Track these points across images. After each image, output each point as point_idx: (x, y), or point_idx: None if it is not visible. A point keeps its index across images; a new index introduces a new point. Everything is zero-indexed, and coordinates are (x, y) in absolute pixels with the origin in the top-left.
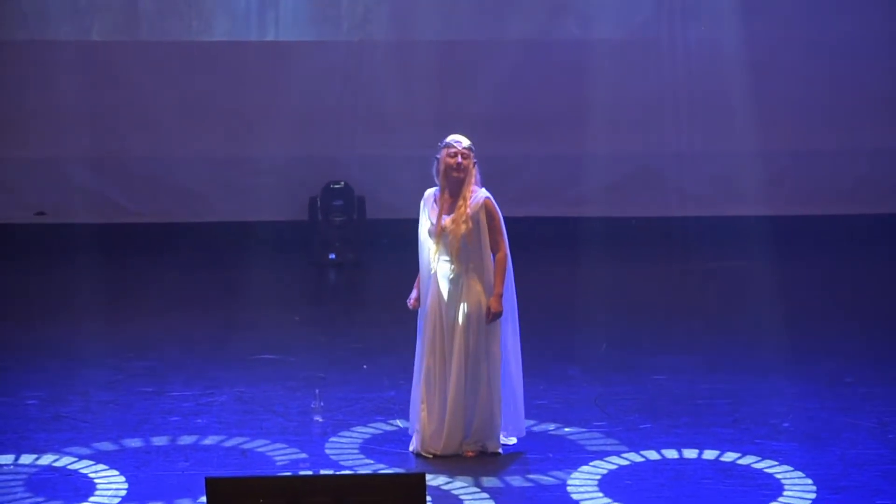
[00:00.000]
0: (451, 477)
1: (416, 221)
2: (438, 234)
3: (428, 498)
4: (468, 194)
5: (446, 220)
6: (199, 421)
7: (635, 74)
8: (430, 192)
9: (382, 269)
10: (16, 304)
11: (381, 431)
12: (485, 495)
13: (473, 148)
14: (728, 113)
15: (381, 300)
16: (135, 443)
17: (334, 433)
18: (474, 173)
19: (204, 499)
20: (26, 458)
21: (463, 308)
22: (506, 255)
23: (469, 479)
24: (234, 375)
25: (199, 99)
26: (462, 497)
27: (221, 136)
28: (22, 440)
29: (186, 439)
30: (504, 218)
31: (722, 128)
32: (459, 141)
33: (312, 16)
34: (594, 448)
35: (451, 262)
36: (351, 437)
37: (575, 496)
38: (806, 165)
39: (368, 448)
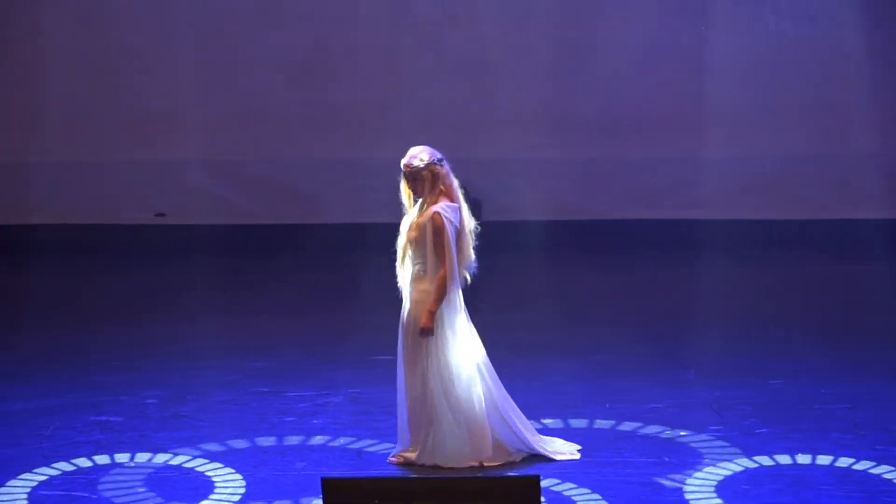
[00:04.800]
0: (562, 479)
1: (533, 224)
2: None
3: (542, 500)
4: (426, 205)
5: (406, 225)
6: (315, 421)
7: (755, 77)
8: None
9: (498, 272)
10: (136, 305)
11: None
12: (596, 496)
13: (420, 164)
14: (848, 114)
15: (496, 303)
16: (252, 442)
17: None
18: (435, 185)
19: (320, 499)
20: (146, 457)
21: (404, 316)
22: (446, 274)
23: (582, 481)
24: (349, 376)
25: (315, 101)
26: (576, 499)
27: (337, 138)
28: (142, 439)
29: (302, 439)
30: (616, 220)
31: (841, 130)
32: (406, 163)
33: (428, 19)
34: (710, 453)
35: (401, 267)
36: None
37: (692, 500)
38: None
39: None
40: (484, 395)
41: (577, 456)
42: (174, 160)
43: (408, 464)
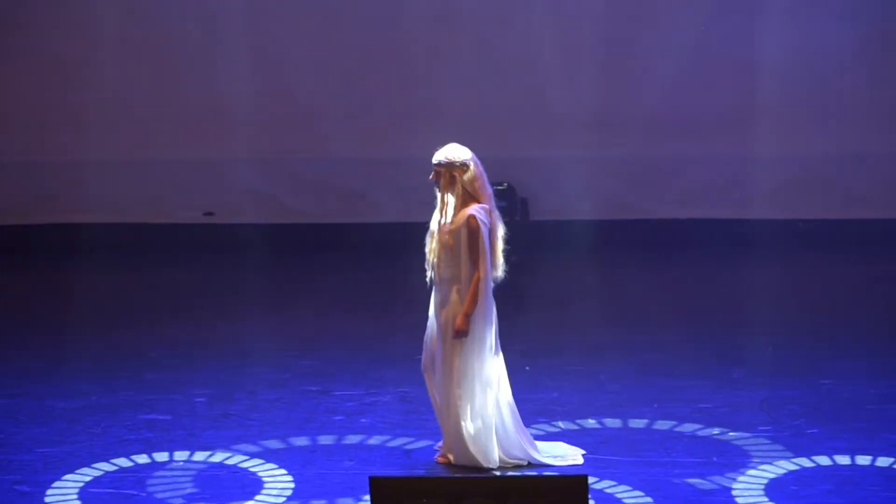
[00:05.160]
0: (614, 480)
1: (580, 223)
2: (431, 239)
3: (591, 500)
4: (449, 207)
5: (438, 228)
6: (364, 420)
7: (805, 75)
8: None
9: (545, 271)
10: (184, 303)
11: (543, 433)
12: (648, 499)
13: (444, 161)
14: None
15: (543, 301)
16: (300, 441)
17: None
18: (455, 185)
19: (368, 498)
20: (195, 455)
21: (439, 318)
22: (482, 277)
23: (630, 481)
24: (397, 375)
25: (364, 100)
26: (624, 499)
27: (386, 137)
28: (191, 437)
29: (351, 438)
30: (665, 219)
31: (892, 129)
32: (435, 158)
33: (476, 17)
34: (760, 453)
35: (434, 270)
36: None
37: (740, 501)
38: None
39: None
40: (496, 408)
41: (581, 461)
42: (223, 159)
43: (450, 463)
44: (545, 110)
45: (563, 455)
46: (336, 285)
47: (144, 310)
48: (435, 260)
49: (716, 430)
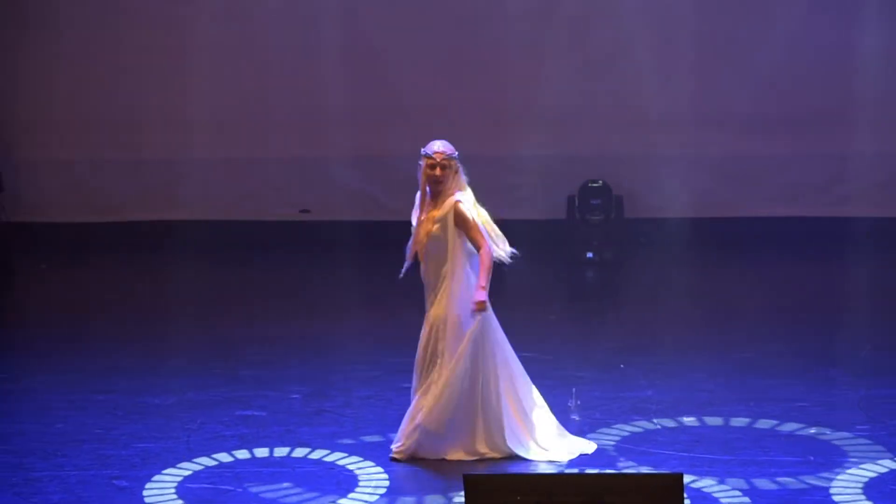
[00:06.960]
0: (709, 478)
1: (674, 221)
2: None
3: (686, 499)
4: (442, 198)
5: (424, 219)
6: None
7: None
8: (419, 193)
9: (640, 268)
10: (279, 300)
11: (635, 431)
12: (737, 493)
13: (453, 154)
14: None
15: (638, 299)
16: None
17: (591, 432)
18: (457, 178)
19: (462, 495)
20: (291, 451)
21: (431, 309)
22: (487, 251)
23: (728, 480)
24: None
25: (460, 98)
26: (720, 498)
27: (482, 135)
28: (286, 433)
29: None
30: (760, 217)
31: None
32: (440, 150)
33: (572, 16)
34: (857, 452)
35: (421, 262)
36: (607, 436)
37: (838, 500)
38: None
39: (624, 448)
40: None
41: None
42: (319, 157)
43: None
44: (641, 108)
45: (574, 450)
46: None
47: (239, 306)
48: (419, 252)
49: (812, 429)
